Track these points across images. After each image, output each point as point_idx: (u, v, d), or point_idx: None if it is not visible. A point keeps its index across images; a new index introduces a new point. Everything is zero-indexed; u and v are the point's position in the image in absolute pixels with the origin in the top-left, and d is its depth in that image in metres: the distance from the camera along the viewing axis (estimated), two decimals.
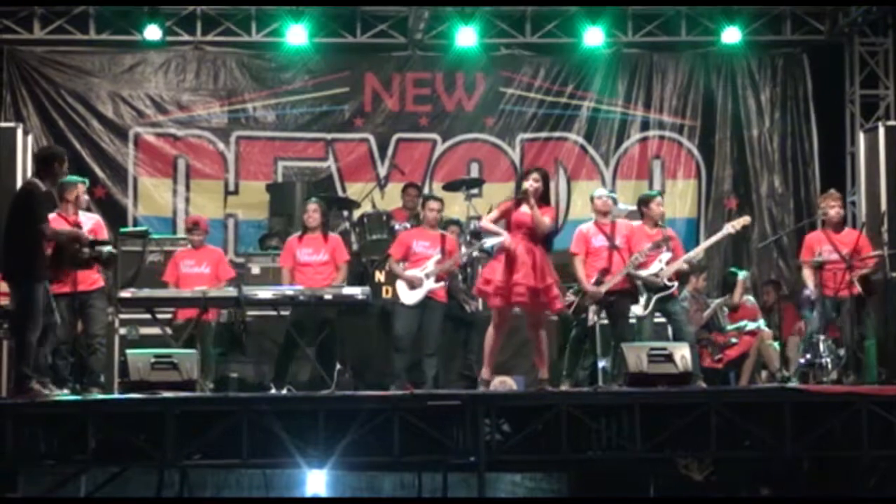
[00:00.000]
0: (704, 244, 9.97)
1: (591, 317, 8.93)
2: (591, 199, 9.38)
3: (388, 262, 9.80)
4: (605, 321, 9.10)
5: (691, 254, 9.58)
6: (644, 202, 9.44)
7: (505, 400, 8.11)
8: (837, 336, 9.23)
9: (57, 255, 8.01)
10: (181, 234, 11.39)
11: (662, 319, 9.39)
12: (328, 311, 9.30)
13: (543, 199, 8.45)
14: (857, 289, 9.20)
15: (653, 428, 7.81)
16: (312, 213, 9.68)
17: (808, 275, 9.39)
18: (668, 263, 9.23)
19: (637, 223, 9.51)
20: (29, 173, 10.04)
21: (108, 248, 8.30)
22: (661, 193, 9.82)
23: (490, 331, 8.56)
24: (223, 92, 12.51)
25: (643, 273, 9.16)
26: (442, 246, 9.56)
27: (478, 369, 8.92)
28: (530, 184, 8.36)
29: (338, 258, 9.64)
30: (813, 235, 9.59)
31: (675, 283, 9.25)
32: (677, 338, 9.10)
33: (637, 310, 9.20)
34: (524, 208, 8.40)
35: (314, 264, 9.56)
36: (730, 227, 9.47)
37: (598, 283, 8.96)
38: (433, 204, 9.71)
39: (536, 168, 8.79)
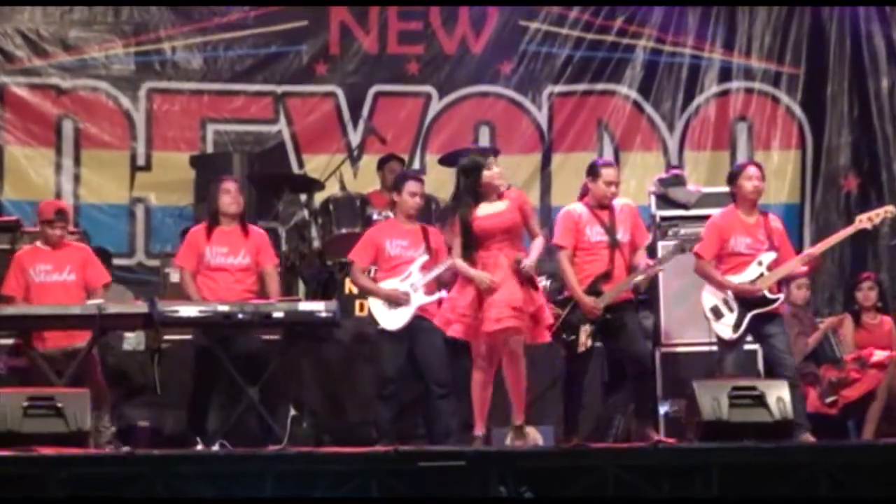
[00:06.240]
0: (826, 243, 9.86)
1: (584, 340, 9.00)
2: (593, 169, 9.34)
3: (352, 272, 9.78)
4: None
5: (807, 254, 9.55)
6: (731, 178, 9.55)
7: (527, 459, 8.11)
8: None
9: None
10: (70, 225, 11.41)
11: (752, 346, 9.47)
12: (252, 339, 9.33)
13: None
14: None
15: (737, 497, 7.85)
16: (234, 193, 9.66)
17: None
18: (770, 267, 9.28)
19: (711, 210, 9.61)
20: None
21: None
22: (758, 164, 9.81)
23: (474, 375, 8.66)
24: (127, 27, 12.55)
25: (734, 280, 9.21)
26: (426, 244, 9.56)
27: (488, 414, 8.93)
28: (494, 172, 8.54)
29: (263, 260, 9.62)
30: None
31: (781, 296, 9.30)
32: (774, 372, 9.13)
33: (723, 331, 9.25)
34: (483, 208, 8.54)
35: (231, 269, 9.53)
36: (865, 221, 9.47)
37: (596, 292, 9.04)
38: (412, 186, 9.69)
39: (480, 149, 8.92)
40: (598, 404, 10.05)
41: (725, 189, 10.82)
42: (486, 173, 8.59)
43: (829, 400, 10.69)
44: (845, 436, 10.49)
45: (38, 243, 9.76)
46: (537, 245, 8.68)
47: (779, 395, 8.52)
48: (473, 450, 8.23)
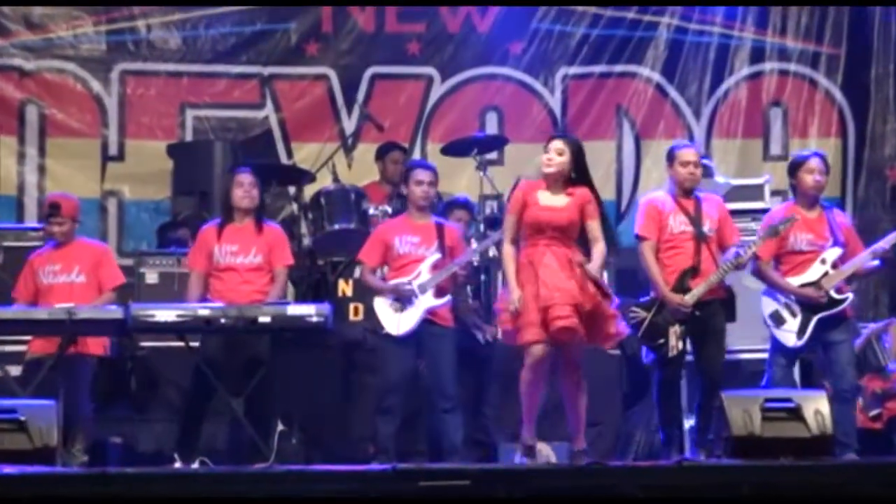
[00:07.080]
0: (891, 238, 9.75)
1: (675, 343, 8.98)
2: (671, 155, 9.38)
3: (361, 272, 9.82)
4: None
5: (874, 248, 9.47)
6: (791, 170, 9.54)
7: (537, 479, 8.09)
8: None
9: None
10: (32, 220, 11.44)
11: None
12: (260, 343, 9.38)
13: (577, 180, 8.64)
14: None
15: None
16: (248, 187, 9.70)
17: None
18: (836, 265, 9.28)
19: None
20: None
21: None
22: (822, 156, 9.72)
23: (525, 375, 8.61)
24: (99, 3, 12.53)
25: (796, 281, 9.24)
26: (440, 241, 9.59)
27: (497, 429, 8.94)
28: (550, 157, 8.56)
29: (276, 259, 9.68)
30: None
31: (849, 296, 9.30)
32: (833, 380, 9.18)
33: (785, 339, 9.27)
34: (543, 196, 8.58)
35: (239, 269, 9.59)
36: None
37: (683, 289, 9.02)
38: (422, 175, 9.74)
39: (558, 136, 8.91)
40: (618, 418, 10.06)
41: (758, 181, 10.89)
42: (542, 157, 8.70)
43: (873, 413, 10.71)
44: (891, 451, 10.51)
45: (50, 243, 9.81)
46: (600, 250, 8.60)
47: (817, 407, 8.47)
48: (479, 468, 8.24)
